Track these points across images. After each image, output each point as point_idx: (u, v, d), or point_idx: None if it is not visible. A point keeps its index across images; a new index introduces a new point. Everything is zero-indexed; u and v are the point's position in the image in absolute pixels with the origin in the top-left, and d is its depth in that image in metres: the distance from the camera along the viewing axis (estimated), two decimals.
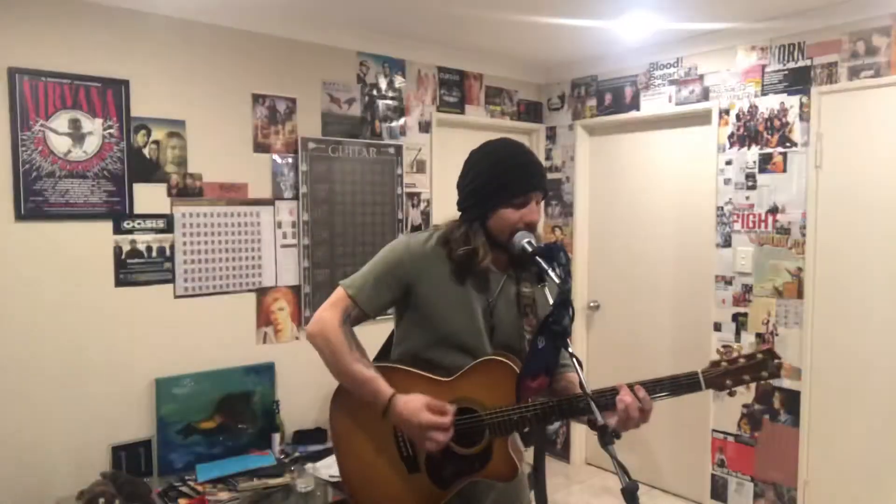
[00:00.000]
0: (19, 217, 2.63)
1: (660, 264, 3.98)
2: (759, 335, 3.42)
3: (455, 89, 4.03)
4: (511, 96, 4.34)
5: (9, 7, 2.59)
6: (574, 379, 1.61)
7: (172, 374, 2.97)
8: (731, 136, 3.51)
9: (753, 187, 3.43)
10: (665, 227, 3.94)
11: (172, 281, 3.00)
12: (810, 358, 3.23)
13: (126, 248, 2.88)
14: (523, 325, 1.59)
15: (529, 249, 1.51)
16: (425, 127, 3.89)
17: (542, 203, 1.67)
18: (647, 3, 3.04)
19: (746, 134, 3.44)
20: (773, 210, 3.35)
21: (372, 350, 1.70)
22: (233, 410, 3.12)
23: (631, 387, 1.44)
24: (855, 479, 3.13)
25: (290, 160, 3.34)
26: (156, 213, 2.96)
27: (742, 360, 1.44)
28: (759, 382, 1.45)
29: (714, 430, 3.63)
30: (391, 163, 3.72)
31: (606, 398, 1.44)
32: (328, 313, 1.59)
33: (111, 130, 2.83)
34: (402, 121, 3.79)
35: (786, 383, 3.30)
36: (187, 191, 3.05)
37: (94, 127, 2.78)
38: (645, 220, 4.04)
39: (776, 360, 1.44)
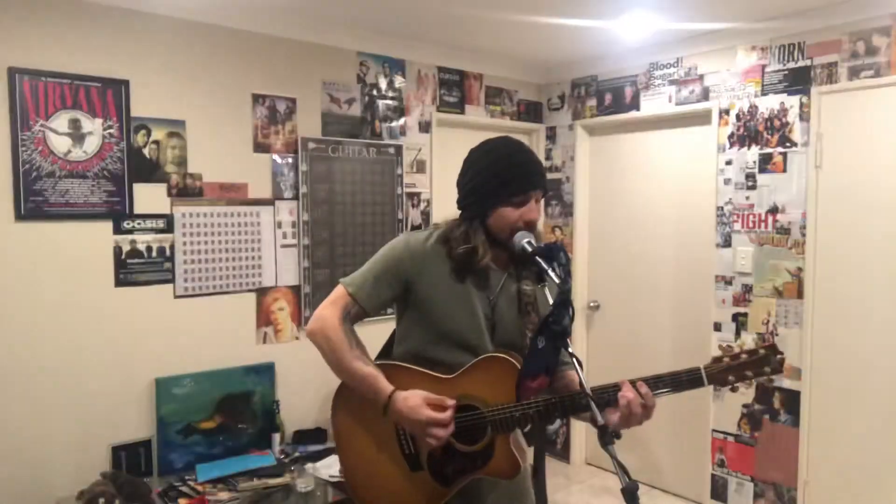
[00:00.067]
0: (19, 217, 2.62)
1: (660, 264, 3.98)
2: (759, 335, 3.42)
3: (455, 89, 4.03)
4: (511, 96, 4.34)
5: (9, 7, 2.59)
6: (575, 377, 1.61)
7: (172, 374, 2.97)
8: (731, 136, 3.51)
9: (753, 187, 3.43)
10: (665, 227, 3.94)
11: (172, 281, 3.00)
12: (810, 358, 3.23)
13: (126, 248, 2.88)
14: (525, 323, 1.59)
15: (529, 249, 1.51)
16: (425, 127, 3.89)
17: (542, 202, 1.67)
18: (647, 3, 3.05)
19: (746, 134, 3.45)
20: (773, 210, 3.35)
21: (373, 349, 1.70)
22: (233, 410, 3.12)
23: (633, 383, 1.44)
24: (855, 479, 3.13)
25: (290, 160, 3.34)
26: (156, 213, 2.96)
27: (744, 356, 1.44)
28: (761, 378, 1.45)
29: (714, 430, 3.63)
30: (391, 163, 3.72)
31: (609, 394, 1.44)
32: (328, 311, 1.59)
33: (111, 130, 2.83)
34: (402, 121, 3.79)
35: (786, 383, 3.30)
36: (187, 191, 3.04)
37: (94, 127, 2.78)
38: (645, 220, 4.04)
39: (778, 356, 1.44)
